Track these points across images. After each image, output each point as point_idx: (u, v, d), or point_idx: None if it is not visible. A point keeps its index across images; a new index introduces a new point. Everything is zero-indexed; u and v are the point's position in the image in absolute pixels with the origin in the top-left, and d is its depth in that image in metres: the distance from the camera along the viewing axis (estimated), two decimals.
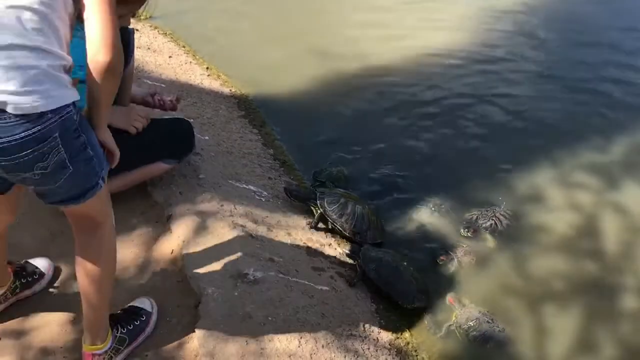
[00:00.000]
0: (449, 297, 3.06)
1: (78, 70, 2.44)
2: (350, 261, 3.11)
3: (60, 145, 1.64)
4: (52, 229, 2.85)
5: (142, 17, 5.53)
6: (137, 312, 2.36)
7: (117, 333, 2.22)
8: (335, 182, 3.70)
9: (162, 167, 2.99)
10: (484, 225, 3.44)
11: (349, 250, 3.14)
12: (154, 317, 2.40)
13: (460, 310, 2.96)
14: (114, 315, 2.27)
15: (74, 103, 1.69)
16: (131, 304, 2.42)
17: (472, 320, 2.89)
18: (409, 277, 2.98)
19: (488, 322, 2.91)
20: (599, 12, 6.59)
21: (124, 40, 2.87)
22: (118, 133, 2.78)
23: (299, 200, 3.39)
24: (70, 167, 1.70)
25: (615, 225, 3.64)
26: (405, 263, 3.07)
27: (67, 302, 2.50)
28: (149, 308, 2.41)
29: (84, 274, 2.01)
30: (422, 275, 3.09)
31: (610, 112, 4.80)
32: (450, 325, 2.93)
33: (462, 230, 3.43)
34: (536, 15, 6.37)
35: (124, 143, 2.82)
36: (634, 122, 4.68)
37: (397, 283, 2.95)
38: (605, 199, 3.84)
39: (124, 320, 2.28)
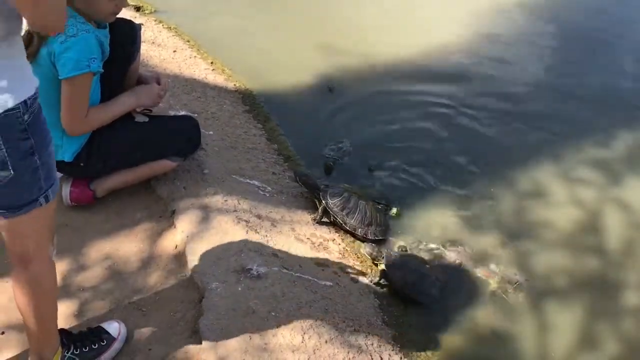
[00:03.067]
0: (483, 272, 3.13)
1: (91, 63, 2.45)
2: (368, 260, 3.14)
3: (2, 144, 1.49)
4: (55, 222, 2.85)
5: (146, 12, 5.52)
6: (99, 335, 2.20)
7: (67, 353, 2.07)
8: (345, 156, 3.93)
9: (168, 164, 3.00)
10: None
11: (369, 253, 3.13)
12: (116, 345, 2.22)
13: (498, 277, 3.13)
14: (73, 335, 2.14)
15: (24, 101, 1.53)
16: (100, 324, 2.26)
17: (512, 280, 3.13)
18: (434, 280, 3.02)
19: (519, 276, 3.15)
20: (607, 9, 6.56)
21: (130, 36, 2.88)
22: (125, 128, 2.82)
23: (306, 187, 3.40)
24: (11, 170, 1.54)
25: (618, 221, 3.64)
26: (427, 265, 3.08)
27: (70, 296, 2.50)
28: (114, 333, 2.23)
29: (17, 299, 1.86)
30: (446, 275, 3.12)
31: (613, 108, 4.78)
32: (494, 290, 3.08)
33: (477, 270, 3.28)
34: (543, 11, 6.34)
35: (131, 139, 2.86)
36: (637, 117, 4.67)
37: (423, 287, 2.98)
38: (608, 195, 3.83)
39: (81, 341, 2.13)
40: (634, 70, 5.34)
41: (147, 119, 2.94)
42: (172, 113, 3.69)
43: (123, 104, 2.79)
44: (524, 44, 5.63)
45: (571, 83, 5.07)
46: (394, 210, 3.51)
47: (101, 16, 2.57)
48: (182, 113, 3.68)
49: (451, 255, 3.25)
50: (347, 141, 4.04)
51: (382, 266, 3.02)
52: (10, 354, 2.24)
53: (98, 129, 2.72)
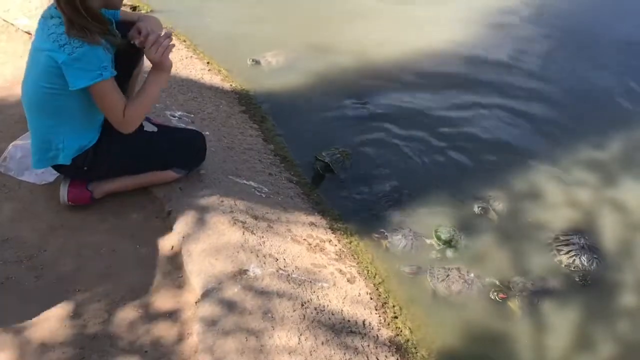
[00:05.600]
0: (500, 295, 3.08)
1: (103, 72, 2.45)
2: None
3: None
4: (51, 222, 2.85)
5: (142, 12, 5.51)
6: None
7: None
8: (339, 164, 3.80)
9: (172, 175, 3.02)
10: (588, 267, 3.30)
11: (409, 273, 3.15)
12: None
13: (516, 295, 3.08)
14: None
15: None
16: None
17: (526, 290, 3.09)
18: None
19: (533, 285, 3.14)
20: (602, 9, 6.57)
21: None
22: (134, 137, 2.82)
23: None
24: None
25: (614, 222, 3.65)
26: (471, 274, 3.13)
27: (66, 297, 2.50)
28: None
29: None
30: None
31: (608, 108, 4.80)
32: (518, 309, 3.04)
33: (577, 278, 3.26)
34: (537, 12, 6.35)
35: (139, 148, 2.87)
36: (632, 118, 4.68)
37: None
38: (604, 196, 3.84)
39: None
40: (629, 71, 5.35)
41: (155, 129, 2.95)
42: (168, 114, 3.68)
43: (155, 87, 2.76)
44: (521, 44, 5.63)
45: (567, 84, 5.07)
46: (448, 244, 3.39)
47: (116, 2, 2.60)
48: (191, 127, 3.68)
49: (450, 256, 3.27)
50: (344, 149, 3.96)
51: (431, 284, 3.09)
52: (6, 354, 2.23)
53: (106, 136, 2.75)
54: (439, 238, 3.35)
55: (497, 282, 3.15)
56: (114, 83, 2.55)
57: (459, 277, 3.10)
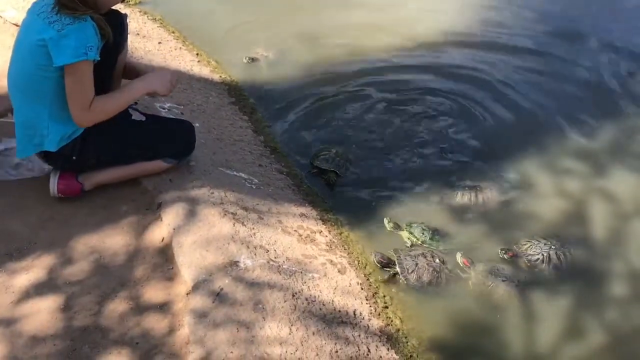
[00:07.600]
0: (463, 259, 3.13)
1: (89, 51, 2.45)
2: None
3: None
4: (41, 215, 2.84)
5: (131, 2, 5.47)
6: None
7: None
8: (343, 167, 3.74)
9: (161, 165, 3.02)
10: (532, 257, 3.28)
11: (379, 261, 3.11)
12: None
13: (475, 271, 3.13)
14: None
15: None
16: None
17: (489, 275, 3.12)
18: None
19: (498, 270, 3.15)
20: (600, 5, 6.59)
21: (118, 26, 2.85)
22: (123, 126, 2.82)
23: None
24: None
25: (603, 211, 3.66)
26: (437, 261, 3.15)
27: (56, 290, 2.49)
28: None
29: None
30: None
31: (597, 98, 4.81)
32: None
33: (499, 250, 3.29)
34: (530, 4, 6.36)
35: (128, 137, 2.87)
36: (621, 108, 4.70)
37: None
38: (593, 185, 3.86)
39: None
40: (618, 62, 5.37)
41: (143, 118, 2.94)
42: (157, 105, 3.67)
43: (133, 90, 2.76)
44: (510, 34, 5.64)
45: (556, 74, 5.09)
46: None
47: (110, 4, 2.63)
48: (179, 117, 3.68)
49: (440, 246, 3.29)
50: (337, 150, 3.86)
51: (395, 270, 3.08)
52: None
53: (95, 125, 2.69)
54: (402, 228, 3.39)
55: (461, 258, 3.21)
56: (92, 69, 2.52)
57: (427, 264, 3.09)
